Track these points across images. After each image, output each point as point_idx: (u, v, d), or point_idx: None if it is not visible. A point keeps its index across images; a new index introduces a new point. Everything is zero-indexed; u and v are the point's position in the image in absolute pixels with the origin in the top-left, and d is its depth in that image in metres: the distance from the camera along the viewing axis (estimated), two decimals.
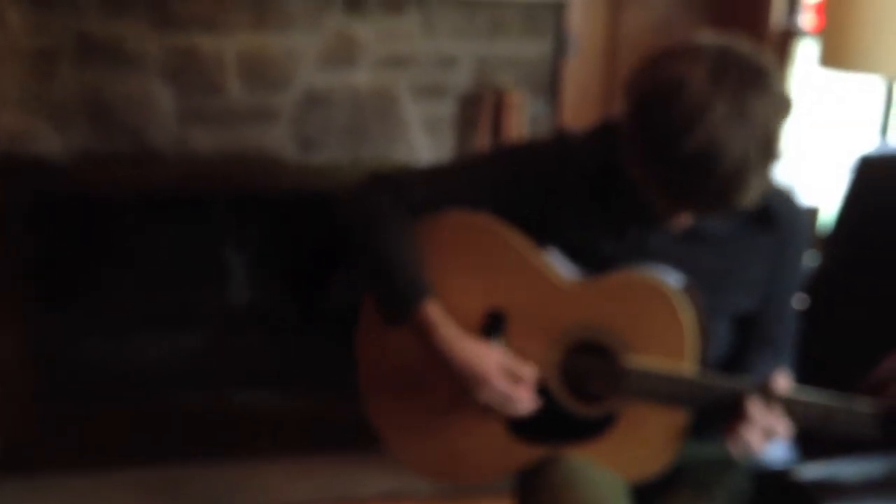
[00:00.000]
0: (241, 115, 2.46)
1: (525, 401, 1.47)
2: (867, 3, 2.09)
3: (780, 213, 1.47)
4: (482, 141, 2.54)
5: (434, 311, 1.46)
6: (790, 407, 1.38)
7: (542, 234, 1.49)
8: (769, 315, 1.53)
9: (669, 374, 1.43)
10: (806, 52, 2.55)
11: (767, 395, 1.37)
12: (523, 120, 2.53)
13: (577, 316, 1.47)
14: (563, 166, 1.48)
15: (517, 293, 1.50)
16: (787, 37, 2.56)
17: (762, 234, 1.46)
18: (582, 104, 2.77)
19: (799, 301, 1.60)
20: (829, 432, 1.38)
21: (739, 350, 1.54)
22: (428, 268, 1.49)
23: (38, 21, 2.29)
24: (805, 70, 2.60)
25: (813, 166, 2.91)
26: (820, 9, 2.36)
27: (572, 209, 1.47)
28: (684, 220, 1.41)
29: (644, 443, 1.48)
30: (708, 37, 1.30)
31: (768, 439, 1.38)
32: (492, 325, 1.52)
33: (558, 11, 2.53)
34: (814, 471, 1.59)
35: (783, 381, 1.38)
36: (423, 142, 2.58)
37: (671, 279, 1.44)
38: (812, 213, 2.33)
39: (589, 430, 1.49)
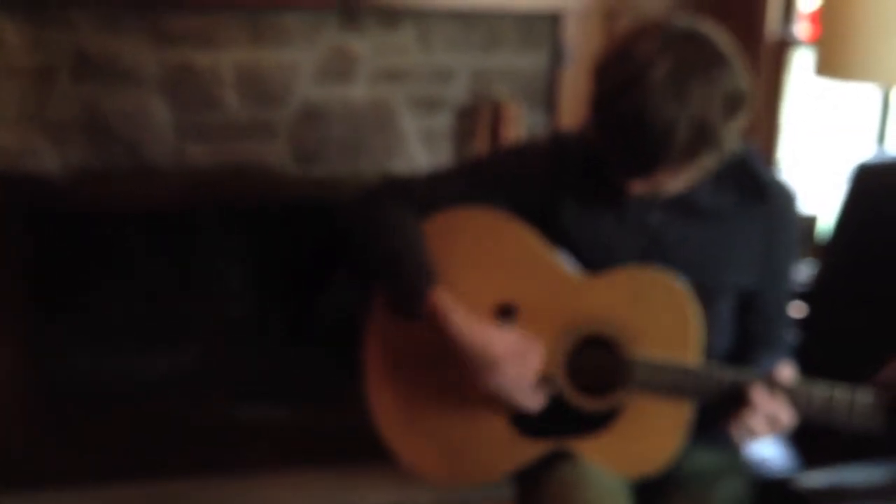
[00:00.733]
0: (238, 129, 2.47)
1: (532, 396, 1.48)
2: (863, 12, 2.10)
3: (770, 186, 1.49)
4: (480, 153, 2.54)
5: (445, 297, 1.47)
6: (793, 395, 1.38)
7: (547, 231, 1.51)
8: (768, 300, 1.54)
9: (675, 366, 1.44)
10: (802, 62, 2.55)
11: (772, 384, 1.38)
12: (520, 131, 2.54)
13: (585, 310, 1.48)
14: (561, 163, 1.51)
15: (527, 287, 1.51)
16: (783, 46, 2.57)
17: (755, 207, 1.48)
18: (579, 115, 2.77)
19: (797, 309, 1.60)
20: (832, 424, 1.38)
21: (741, 348, 1.54)
22: (438, 262, 1.50)
23: (34, 38, 2.30)
24: (801, 79, 2.60)
25: (810, 174, 2.92)
26: (815, 18, 2.36)
27: (573, 202, 1.50)
28: (639, 188, 1.41)
29: (648, 437, 1.49)
30: (685, 19, 1.34)
31: (772, 428, 1.39)
32: (501, 319, 1.52)
33: (554, 23, 2.54)
34: (815, 478, 1.59)
35: (787, 372, 1.40)
36: (421, 154, 2.58)
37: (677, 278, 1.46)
38: (810, 221, 2.33)
39: (593, 424, 1.50)
